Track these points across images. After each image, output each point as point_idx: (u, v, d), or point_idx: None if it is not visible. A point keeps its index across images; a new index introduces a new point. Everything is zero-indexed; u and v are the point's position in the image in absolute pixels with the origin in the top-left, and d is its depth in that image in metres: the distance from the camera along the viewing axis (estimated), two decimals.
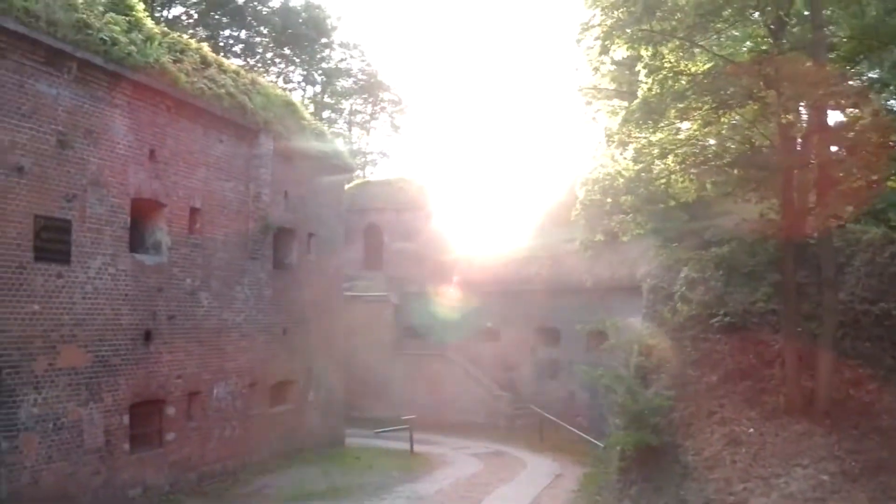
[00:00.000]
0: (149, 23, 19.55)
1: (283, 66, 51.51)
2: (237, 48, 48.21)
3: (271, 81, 42.26)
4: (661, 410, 18.50)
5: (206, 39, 40.78)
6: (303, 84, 53.97)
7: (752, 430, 17.51)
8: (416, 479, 23.00)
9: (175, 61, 19.76)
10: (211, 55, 22.39)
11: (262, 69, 47.89)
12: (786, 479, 16.06)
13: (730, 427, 17.77)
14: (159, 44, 19.29)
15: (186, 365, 19.96)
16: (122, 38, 17.43)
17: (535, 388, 33.46)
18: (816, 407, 17.00)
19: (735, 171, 17.34)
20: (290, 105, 26.03)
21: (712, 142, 18.16)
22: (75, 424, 16.40)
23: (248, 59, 47.67)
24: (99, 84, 17.14)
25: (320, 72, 53.14)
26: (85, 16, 16.55)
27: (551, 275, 32.10)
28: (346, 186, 42.02)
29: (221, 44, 46.05)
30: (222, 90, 21.20)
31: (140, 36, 18.40)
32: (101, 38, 16.80)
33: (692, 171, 17.74)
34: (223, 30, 47.81)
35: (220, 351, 21.34)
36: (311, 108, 52.64)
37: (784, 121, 16.39)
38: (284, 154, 24.18)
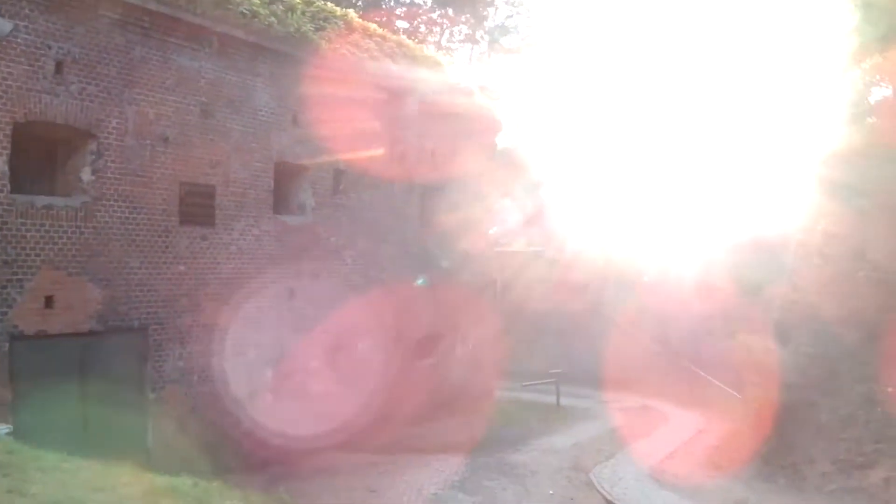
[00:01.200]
0: None
1: (446, 26, 51.36)
2: (400, 11, 48.36)
3: (433, 42, 42.43)
4: (798, 368, 17.84)
5: (369, 5, 41.33)
6: (466, 44, 53.72)
7: (890, 388, 16.80)
8: (556, 432, 23.26)
9: (318, 29, 20.20)
10: (357, 21, 22.74)
11: (426, 31, 47.96)
12: None
13: (868, 385, 17.13)
14: (302, 13, 19.80)
15: (332, 321, 20.66)
16: (262, 11, 18.00)
17: (691, 344, 32.57)
18: None
19: None
20: (437, 66, 26.10)
21: None
22: (220, 377, 17.42)
23: (411, 22, 47.80)
24: (240, 55, 17.85)
25: (483, 31, 52.67)
26: None
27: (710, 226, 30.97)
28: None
29: (384, 7, 46.42)
30: (365, 55, 21.54)
31: (281, 7, 18.93)
32: (241, 12, 17.43)
33: None
34: None
35: (365, 306, 21.94)
36: (480, 67, 52.48)
37: None
38: (431, 114, 24.37)
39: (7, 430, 12.70)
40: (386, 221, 22.81)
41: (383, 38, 23.66)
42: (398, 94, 22.80)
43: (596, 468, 18.73)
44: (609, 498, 16.04)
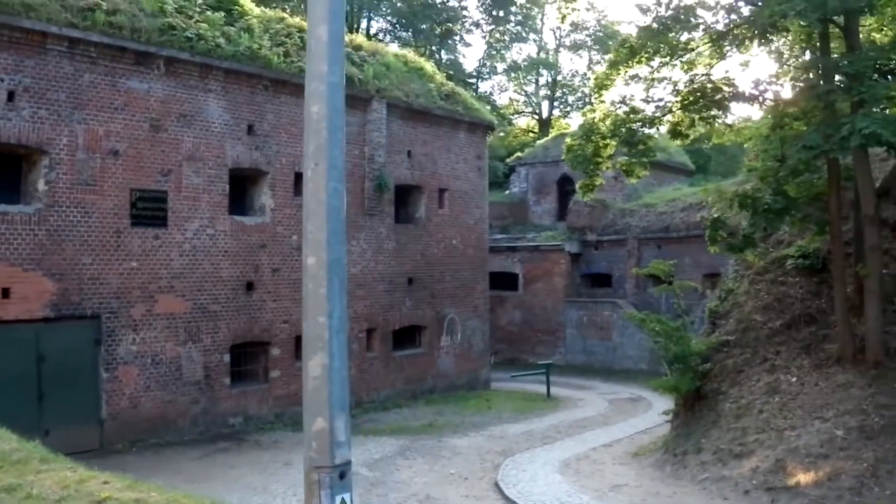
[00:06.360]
0: (254, 12, 23.78)
1: (491, 27, 54.10)
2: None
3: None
4: (707, 356, 19.63)
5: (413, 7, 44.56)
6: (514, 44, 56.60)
7: (794, 379, 17.89)
8: (522, 420, 25.53)
9: (278, 45, 23.77)
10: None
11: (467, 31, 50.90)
12: (799, 431, 16.38)
13: (776, 375, 18.22)
14: (264, 31, 23.44)
15: (293, 311, 24.11)
16: (210, 34, 21.64)
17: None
18: (867, 356, 16.99)
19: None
20: (417, 70, 29.40)
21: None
22: (173, 360, 21.15)
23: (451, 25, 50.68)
24: (189, 74, 21.49)
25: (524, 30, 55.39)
26: (171, 19, 20.89)
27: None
28: (544, 140, 44.91)
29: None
30: None
31: (234, 29, 22.54)
32: (186, 37, 21.10)
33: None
34: None
35: None
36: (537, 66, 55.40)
37: None
38: (407, 116, 27.73)
39: None
40: (356, 219, 26.12)
41: (358, 48, 27.13)
42: (365, 100, 26.11)
43: (519, 454, 20.75)
44: (496, 478, 18.32)
